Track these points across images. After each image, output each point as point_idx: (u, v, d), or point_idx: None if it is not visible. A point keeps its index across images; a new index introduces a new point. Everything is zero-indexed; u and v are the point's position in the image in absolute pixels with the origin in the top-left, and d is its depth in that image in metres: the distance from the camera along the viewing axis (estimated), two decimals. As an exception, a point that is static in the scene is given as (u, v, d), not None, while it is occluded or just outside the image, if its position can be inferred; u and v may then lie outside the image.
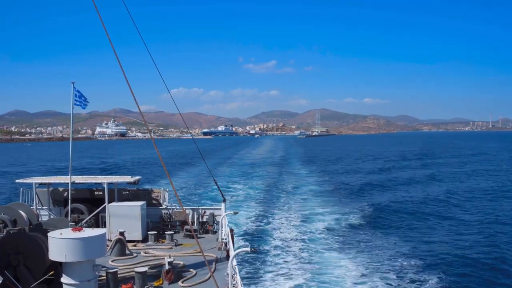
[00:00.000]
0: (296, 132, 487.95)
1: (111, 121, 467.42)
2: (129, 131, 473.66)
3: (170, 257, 12.20)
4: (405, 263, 22.98)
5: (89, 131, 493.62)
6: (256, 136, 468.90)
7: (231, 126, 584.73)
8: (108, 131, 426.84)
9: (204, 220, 18.58)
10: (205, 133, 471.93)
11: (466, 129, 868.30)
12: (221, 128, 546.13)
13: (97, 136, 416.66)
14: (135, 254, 14.71)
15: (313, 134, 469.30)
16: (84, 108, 18.13)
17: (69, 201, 18.21)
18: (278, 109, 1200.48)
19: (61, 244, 8.42)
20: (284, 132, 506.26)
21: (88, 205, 18.96)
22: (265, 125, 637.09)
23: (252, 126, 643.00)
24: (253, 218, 33.91)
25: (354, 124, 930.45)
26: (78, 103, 17.63)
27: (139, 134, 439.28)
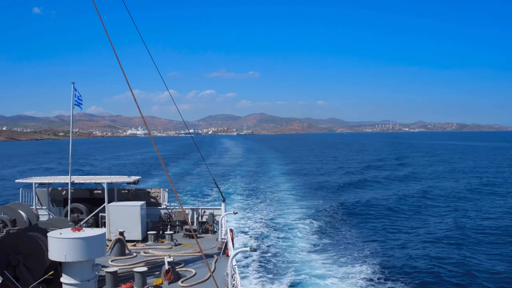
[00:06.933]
0: (235, 133, 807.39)
1: (140, 127, 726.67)
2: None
3: (169, 257, 12.21)
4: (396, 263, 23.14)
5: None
6: (212, 135, 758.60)
7: (197, 129, 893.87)
8: (138, 132, 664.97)
9: (204, 220, 18.58)
10: (185, 133, 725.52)
11: (368, 130, 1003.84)
12: (192, 130, 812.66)
13: (138, 134, 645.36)
14: (135, 254, 14.71)
15: (242, 133, 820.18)
16: (81, 109, 18.60)
17: (69, 201, 18.20)
18: (222, 113, 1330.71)
19: (60, 244, 8.42)
20: (228, 133, 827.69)
21: (87, 205, 18.96)
22: (216, 128, 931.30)
23: (208, 129, 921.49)
24: (252, 218, 33.91)
25: (284, 126, 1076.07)
26: (76, 103, 17.77)
27: (158, 134, 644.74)
